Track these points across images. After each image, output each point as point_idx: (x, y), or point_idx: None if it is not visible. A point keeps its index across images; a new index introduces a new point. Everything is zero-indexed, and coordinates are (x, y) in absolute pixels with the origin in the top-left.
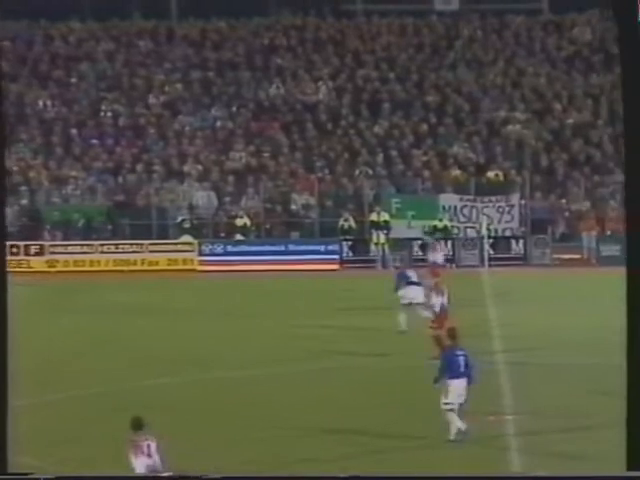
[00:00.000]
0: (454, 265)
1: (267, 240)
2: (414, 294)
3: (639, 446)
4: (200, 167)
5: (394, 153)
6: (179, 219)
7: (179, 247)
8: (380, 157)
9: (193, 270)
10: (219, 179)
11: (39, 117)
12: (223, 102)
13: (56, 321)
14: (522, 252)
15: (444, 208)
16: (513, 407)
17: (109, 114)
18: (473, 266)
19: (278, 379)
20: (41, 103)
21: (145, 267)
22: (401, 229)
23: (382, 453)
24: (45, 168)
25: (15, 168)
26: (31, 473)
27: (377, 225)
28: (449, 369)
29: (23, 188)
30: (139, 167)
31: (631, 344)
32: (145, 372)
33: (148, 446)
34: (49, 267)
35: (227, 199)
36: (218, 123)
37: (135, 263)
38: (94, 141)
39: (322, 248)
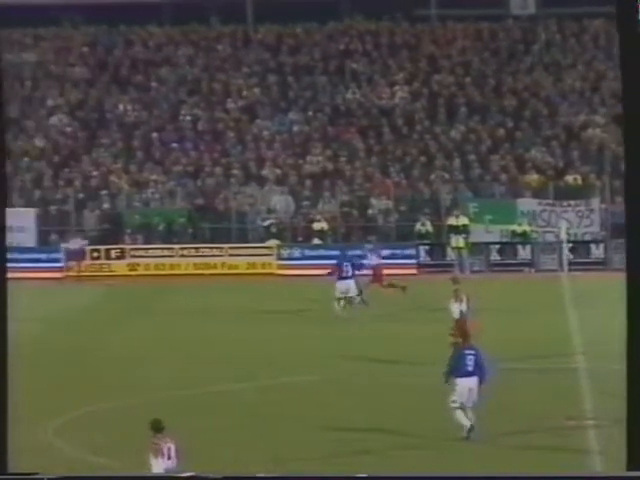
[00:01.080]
0: (533, 270)
1: (344, 244)
2: (346, 287)
3: (639, 446)
4: (278, 171)
5: (471, 157)
6: (266, 223)
7: (258, 251)
8: (457, 162)
9: (272, 274)
10: (296, 183)
11: (119, 121)
12: (300, 106)
13: (135, 324)
14: (602, 256)
15: (522, 212)
16: (593, 411)
17: (188, 118)
18: (552, 270)
19: (342, 383)
20: (121, 107)
21: (225, 271)
22: (479, 233)
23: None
24: (125, 172)
25: (95, 173)
26: (35, 473)
27: (456, 229)
28: (456, 368)
29: (104, 192)
30: (218, 171)
31: (631, 345)
32: (220, 376)
33: (168, 449)
34: (130, 270)
35: (305, 203)
36: (295, 127)
37: (215, 267)
38: (174, 145)
39: (399, 252)
